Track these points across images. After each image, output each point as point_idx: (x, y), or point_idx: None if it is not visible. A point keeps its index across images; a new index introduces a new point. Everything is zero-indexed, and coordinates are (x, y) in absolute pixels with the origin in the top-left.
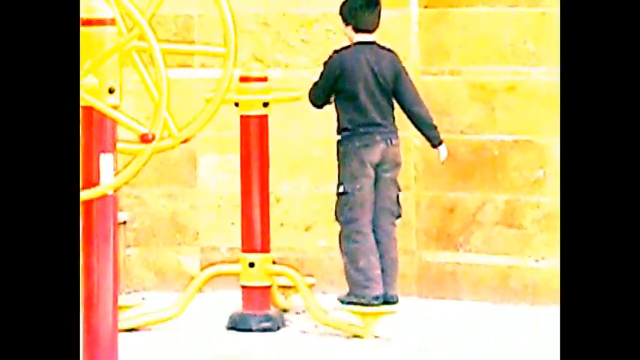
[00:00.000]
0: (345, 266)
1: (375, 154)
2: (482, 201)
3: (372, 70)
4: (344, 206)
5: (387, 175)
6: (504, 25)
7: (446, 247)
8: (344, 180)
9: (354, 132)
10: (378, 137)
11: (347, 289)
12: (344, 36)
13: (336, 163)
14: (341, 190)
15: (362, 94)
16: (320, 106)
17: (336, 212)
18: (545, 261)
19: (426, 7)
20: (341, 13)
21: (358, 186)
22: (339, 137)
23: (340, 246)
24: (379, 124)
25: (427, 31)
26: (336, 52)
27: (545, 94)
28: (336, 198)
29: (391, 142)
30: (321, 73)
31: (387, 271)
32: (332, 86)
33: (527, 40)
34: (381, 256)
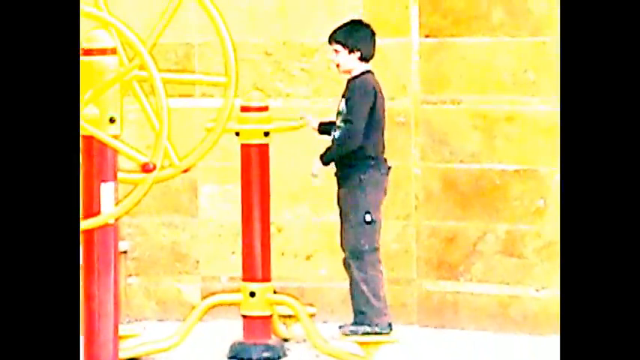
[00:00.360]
0: (363, 294)
1: (387, 183)
2: (483, 230)
3: (383, 98)
4: (370, 235)
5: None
6: (505, 54)
7: (446, 277)
8: (370, 209)
9: (378, 160)
10: (389, 165)
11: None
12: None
13: (346, 190)
14: (368, 219)
15: (384, 122)
16: (360, 140)
17: (357, 241)
18: (545, 290)
19: (426, 36)
20: (342, 41)
21: (379, 214)
22: (356, 165)
23: (359, 275)
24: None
25: (428, 60)
26: (355, 77)
27: (545, 124)
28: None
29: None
30: (354, 106)
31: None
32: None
33: (528, 69)
34: None
